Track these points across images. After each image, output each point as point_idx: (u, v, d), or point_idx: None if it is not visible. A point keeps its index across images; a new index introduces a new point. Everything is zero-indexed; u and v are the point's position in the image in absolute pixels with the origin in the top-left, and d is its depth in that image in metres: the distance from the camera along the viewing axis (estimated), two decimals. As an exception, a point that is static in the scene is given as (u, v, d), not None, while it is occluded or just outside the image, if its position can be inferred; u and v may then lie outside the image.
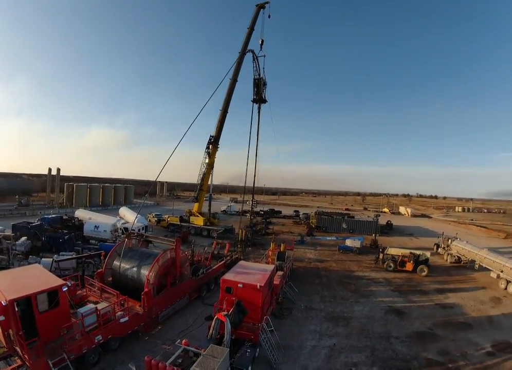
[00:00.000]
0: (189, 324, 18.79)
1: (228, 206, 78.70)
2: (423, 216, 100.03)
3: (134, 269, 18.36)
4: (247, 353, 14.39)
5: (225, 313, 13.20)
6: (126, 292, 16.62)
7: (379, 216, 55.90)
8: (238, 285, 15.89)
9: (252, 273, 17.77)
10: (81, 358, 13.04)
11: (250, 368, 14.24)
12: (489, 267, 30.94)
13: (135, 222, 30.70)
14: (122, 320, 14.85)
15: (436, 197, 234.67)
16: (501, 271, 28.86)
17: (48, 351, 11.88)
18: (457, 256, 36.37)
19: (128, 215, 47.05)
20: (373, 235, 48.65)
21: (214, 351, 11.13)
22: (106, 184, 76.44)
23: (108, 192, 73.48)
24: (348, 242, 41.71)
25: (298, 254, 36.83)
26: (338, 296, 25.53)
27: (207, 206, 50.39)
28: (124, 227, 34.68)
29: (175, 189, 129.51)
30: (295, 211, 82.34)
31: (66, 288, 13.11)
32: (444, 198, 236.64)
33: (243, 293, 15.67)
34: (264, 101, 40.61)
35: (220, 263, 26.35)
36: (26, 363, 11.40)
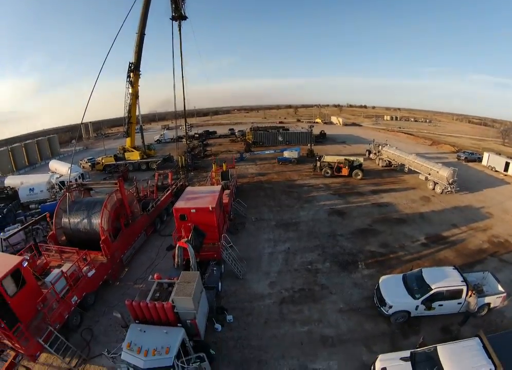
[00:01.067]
0: (153, 258, 19.05)
1: (161, 135, 74.18)
2: (354, 124, 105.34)
3: (85, 220, 17.44)
4: (214, 272, 15.14)
5: (186, 239, 13.23)
6: (84, 246, 16.03)
7: (313, 126, 57.00)
8: (191, 211, 16.15)
9: (201, 196, 17.89)
10: (66, 324, 12.97)
11: (220, 284, 15.07)
12: (418, 171, 34.45)
13: (69, 172, 28.77)
14: (90, 274, 14.74)
15: (365, 107, 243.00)
16: (429, 174, 32.32)
17: (33, 330, 11.48)
18: (388, 161, 39.83)
19: (60, 167, 42.55)
20: (308, 144, 50.31)
21: (186, 277, 11.36)
22: (28, 141, 65.92)
23: (32, 149, 64.31)
24: (286, 154, 42.86)
25: (240, 171, 37.36)
26: (284, 204, 27.16)
27: (140, 138, 47.43)
28: (60, 182, 32.11)
29: (101, 128, 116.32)
30: (230, 129, 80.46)
31: (26, 263, 12.13)
32: (373, 107, 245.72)
33: (197, 217, 15.92)
34: (185, 17, 35.46)
35: (167, 194, 26.04)
36: (20, 351, 11.12)
